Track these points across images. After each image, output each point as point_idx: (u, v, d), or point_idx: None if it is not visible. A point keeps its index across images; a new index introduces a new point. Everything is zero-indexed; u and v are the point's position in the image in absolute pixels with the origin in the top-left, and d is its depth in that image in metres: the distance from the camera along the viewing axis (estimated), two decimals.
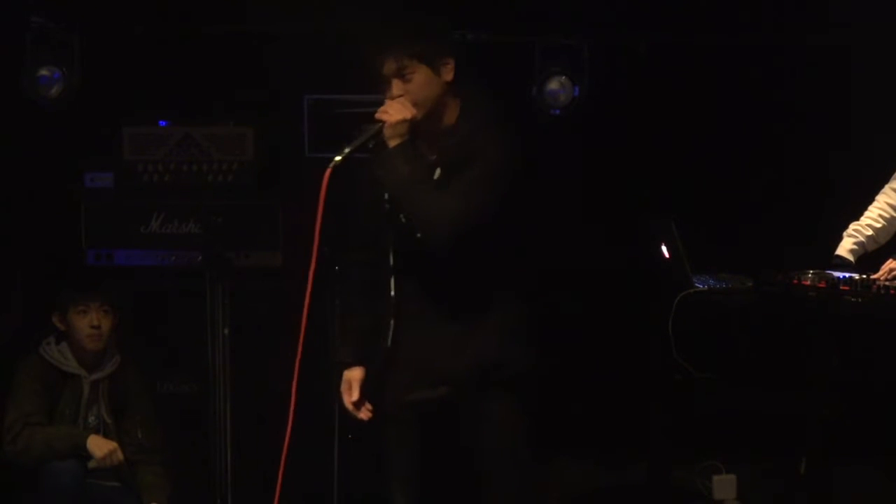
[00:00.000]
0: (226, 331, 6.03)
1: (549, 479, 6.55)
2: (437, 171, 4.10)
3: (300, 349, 4.19)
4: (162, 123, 6.31)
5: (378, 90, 4.18)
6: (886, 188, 5.59)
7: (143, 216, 6.20)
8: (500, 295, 4.19)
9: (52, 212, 6.42)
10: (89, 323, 5.58)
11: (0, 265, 6.52)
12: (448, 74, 4.12)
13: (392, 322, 4.21)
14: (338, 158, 4.03)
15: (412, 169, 4.05)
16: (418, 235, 4.11)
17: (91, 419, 5.59)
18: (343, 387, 4.30)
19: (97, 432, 5.53)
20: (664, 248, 5.91)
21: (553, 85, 6.46)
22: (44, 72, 6.27)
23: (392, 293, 4.21)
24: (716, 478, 6.28)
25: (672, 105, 6.63)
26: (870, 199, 5.62)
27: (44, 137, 6.45)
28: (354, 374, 4.29)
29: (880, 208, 5.57)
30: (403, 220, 4.14)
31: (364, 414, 4.28)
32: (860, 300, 5.09)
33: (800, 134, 6.54)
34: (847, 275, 5.26)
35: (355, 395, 4.28)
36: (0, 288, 6.54)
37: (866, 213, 5.59)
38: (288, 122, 6.40)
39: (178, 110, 6.35)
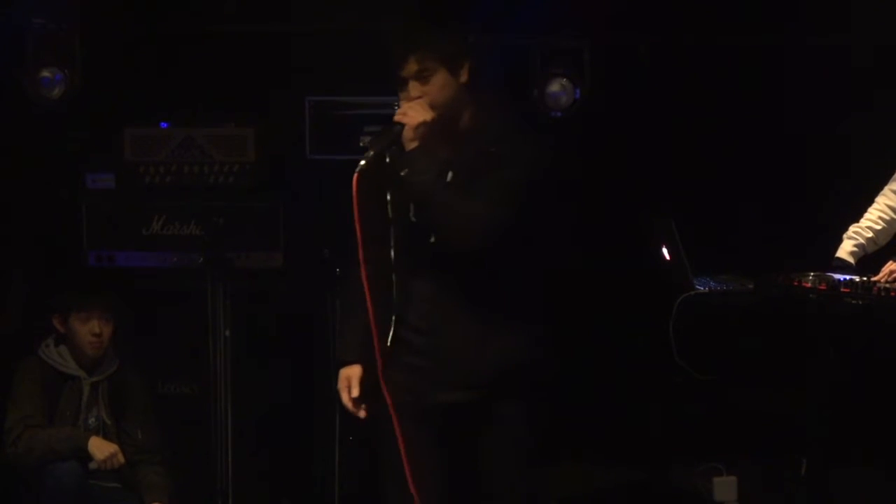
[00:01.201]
0: (226, 332, 6.03)
1: (549, 480, 6.57)
2: (450, 175, 4.07)
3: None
4: (163, 125, 6.31)
5: (387, 91, 4.18)
6: (886, 190, 5.59)
7: (144, 217, 6.20)
8: (520, 298, 4.16)
9: (54, 213, 6.42)
10: (90, 330, 5.58)
11: (0, 265, 6.52)
12: (464, 76, 4.10)
13: (393, 322, 4.18)
14: (363, 163, 3.96)
15: (435, 172, 4.02)
16: (432, 240, 4.08)
17: (91, 421, 5.60)
18: (341, 384, 4.25)
19: (97, 434, 5.53)
20: (665, 250, 5.91)
21: (554, 87, 6.45)
22: (45, 73, 6.26)
23: (394, 293, 4.18)
24: (716, 479, 6.28)
25: (673, 107, 6.62)
26: (870, 201, 5.62)
27: (45, 138, 6.45)
28: (353, 371, 4.24)
29: (880, 210, 5.57)
30: (414, 219, 4.11)
31: (363, 412, 4.26)
32: (860, 302, 5.09)
33: (800, 135, 6.53)
34: (847, 277, 5.26)
35: (355, 392, 4.24)
36: (0, 289, 6.54)
37: (866, 216, 5.59)
38: (289, 124, 6.39)
39: (179, 112, 6.35)
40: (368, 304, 4.04)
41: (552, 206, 4.22)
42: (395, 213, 4.14)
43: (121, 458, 5.46)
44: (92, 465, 5.43)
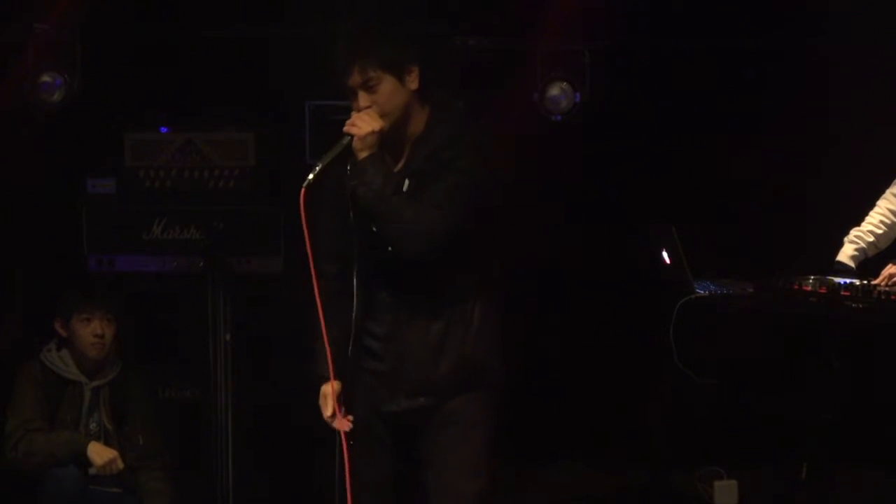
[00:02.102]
0: (227, 336, 6.04)
1: (549, 484, 6.57)
2: (406, 183, 4.07)
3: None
4: (163, 129, 6.31)
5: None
6: (887, 193, 5.59)
7: (144, 222, 6.19)
8: (474, 302, 4.16)
9: (54, 218, 6.42)
10: (92, 332, 5.59)
11: (1, 271, 6.52)
12: (413, 83, 4.07)
13: (352, 332, 4.16)
14: (311, 177, 4.00)
15: (384, 180, 4.01)
16: (390, 248, 4.08)
17: (92, 425, 5.60)
18: (321, 401, 4.26)
19: (98, 439, 5.53)
20: (665, 254, 5.91)
21: (554, 91, 6.45)
22: (46, 78, 6.26)
23: (355, 303, 4.16)
24: (717, 483, 6.28)
25: (673, 111, 6.63)
26: (871, 205, 5.62)
27: (45, 143, 6.45)
28: (328, 389, 4.23)
29: (881, 214, 5.57)
30: (374, 229, 4.09)
31: (340, 424, 4.22)
32: (861, 306, 5.09)
33: (801, 139, 6.54)
34: (848, 280, 5.26)
35: (328, 411, 4.23)
36: (1, 293, 6.54)
37: (867, 219, 5.59)
38: (289, 129, 6.39)
39: (179, 116, 6.36)
40: (321, 317, 4.05)
41: (501, 208, 4.18)
42: (357, 222, 4.11)
43: (120, 464, 5.45)
44: (92, 471, 5.43)
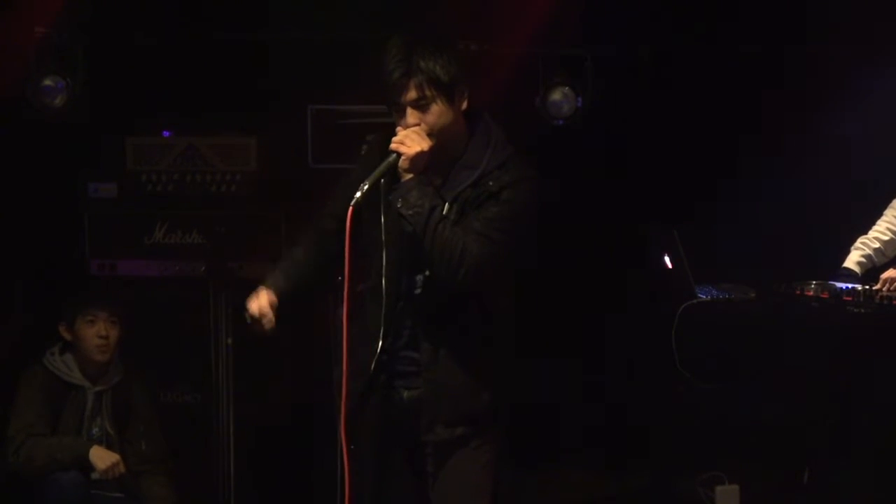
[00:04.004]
0: (228, 341, 6.04)
1: (551, 488, 6.57)
2: (449, 207, 3.96)
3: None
4: (165, 133, 6.32)
5: (384, 106, 4.04)
6: (894, 201, 5.60)
7: (146, 226, 6.20)
8: (508, 328, 4.11)
9: (56, 222, 6.42)
10: (97, 333, 5.59)
11: (2, 275, 6.52)
12: (463, 103, 3.98)
13: (378, 350, 4.06)
14: (358, 195, 3.88)
15: (431, 204, 3.91)
16: (427, 273, 4.00)
17: (95, 430, 5.60)
18: (252, 295, 4.19)
19: (101, 443, 5.53)
20: (667, 258, 5.92)
21: (556, 96, 6.45)
22: (48, 81, 6.26)
23: (382, 324, 4.05)
24: (718, 488, 6.27)
25: (675, 115, 6.63)
26: (875, 212, 5.63)
27: (47, 147, 6.45)
28: (266, 292, 4.17)
29: (888, 222, 5.59)
30: (408, 249, 4.00)
31: (268, 323, 4.16)
32: (862, 311, 5.10)
33: (803, 143, 6.54)
34: (850, 285, 5.27)
35: (263, 301, 4.16)
36: (2, 298, 6.54)
37: (874, 227, 5.61)
38: (292, 133, 6.39)
39: (181, 120, 6.36)
40: (344, 340, 3.97)
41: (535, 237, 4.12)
42: (389, 238, 4.03)
43: (121, 468, 5.45)
44: (94, 475, 5.43)
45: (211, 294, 6.07)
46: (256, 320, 4.19)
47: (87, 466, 5.40)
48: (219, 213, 6.19)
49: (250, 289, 6.07)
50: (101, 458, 5.42)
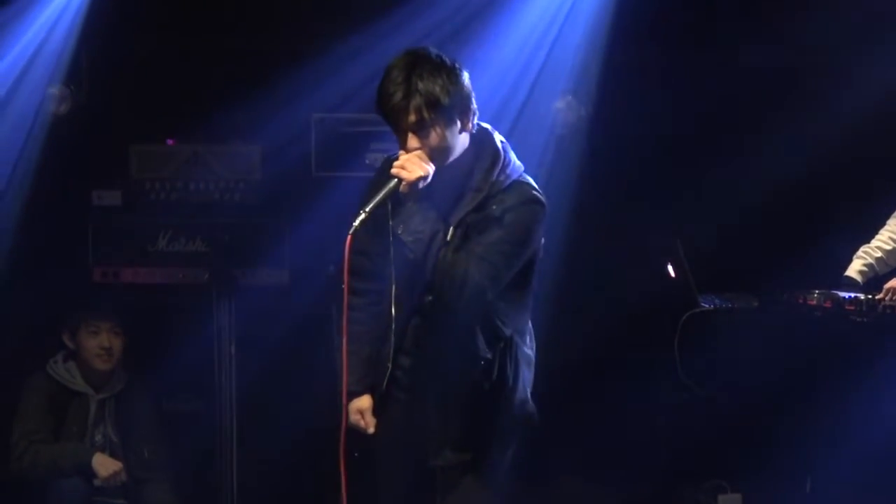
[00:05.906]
0: (232, 349, 6.05)
1: (554, 498, 6.56)
2: (453, 231, 3.93)
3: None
4: (169, 142, 6.33)
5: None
6: None
7: (150, 234, 6.21)
8: (519, 347, 4.07)
9: (60, 229, 6.42)
10: (99, 344, 5.60)
11: (7, 282, 6.53)
12: (467, 126, 3.93)
13: (389, 363, 4.06)
14: (356, 223, 3.84)
15: (432, 230, 3.90)
16: (429, 298, 3.98)
17: (98, 438, 5.60)
18: (354, 417, 4.14)
19: (104, 451, 5.54)
20: (670, 268, 5.92)
21: (559, 105, 6.45)
22: (51, 90, 6.28)
23: (392, 344, 4.04)
24: (721, 497, 6.27)
25: (679, 124, 6.63)
26: (877, 221, 5.63)
27: (51, 155, 6.46)
28: (364, 403, 4.14)
29: (891, 231, 5.59)
30: (412, 271, 3.98)
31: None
32: (865, 320, 5.11)
33: (806, 152, 6.53)
34: (852, 295, 5.28)
35: (370, 427, 4.14)
36: (5, 305, 6.55)
37: (877, 236, 5.62)
38: (295, 141, 6.40)
39: (185, 128, 6.37)
40: (343, 344, 3.96)
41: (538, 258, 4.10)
42: (396, 262, 3.97)
43: (124, 476, 5.46)
44: (96, 482, 5.44)
45: (214, 302, 6.07)
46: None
47: (90, 473, 5.42)
48: (223, 221, 6.20)
49: (254, 296, 6.12)
50: (104, 465, 5.43)
